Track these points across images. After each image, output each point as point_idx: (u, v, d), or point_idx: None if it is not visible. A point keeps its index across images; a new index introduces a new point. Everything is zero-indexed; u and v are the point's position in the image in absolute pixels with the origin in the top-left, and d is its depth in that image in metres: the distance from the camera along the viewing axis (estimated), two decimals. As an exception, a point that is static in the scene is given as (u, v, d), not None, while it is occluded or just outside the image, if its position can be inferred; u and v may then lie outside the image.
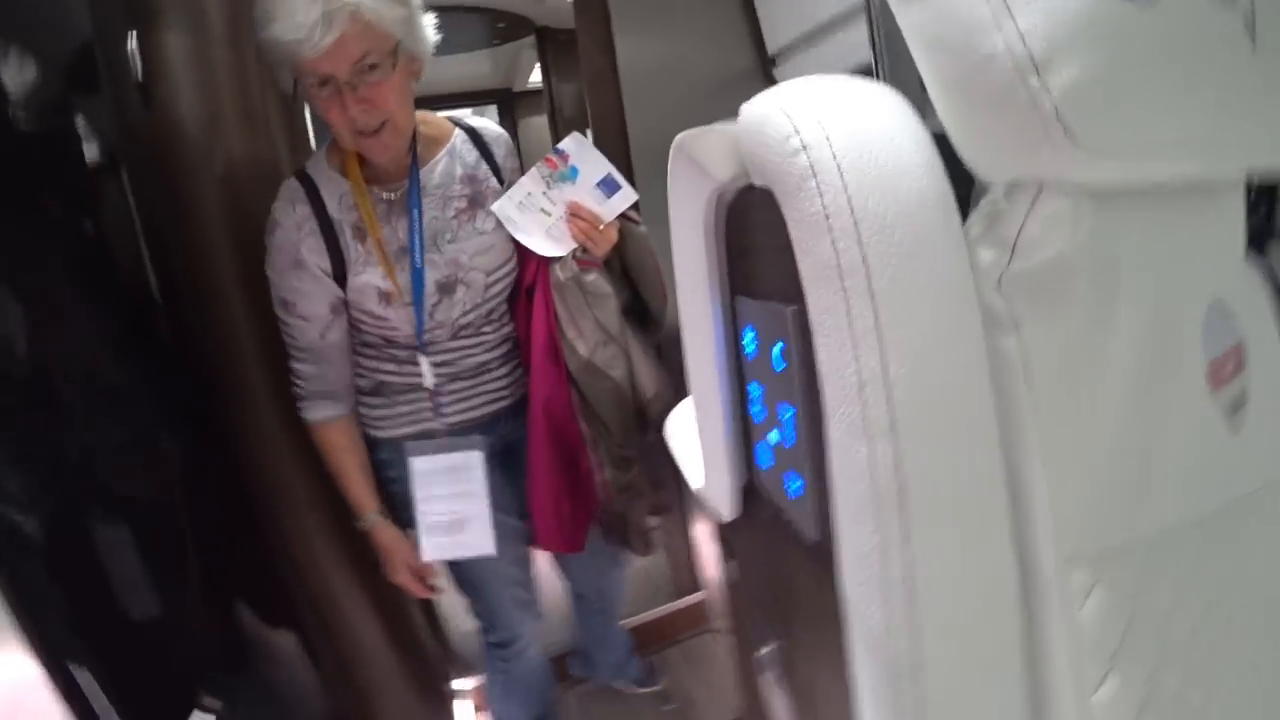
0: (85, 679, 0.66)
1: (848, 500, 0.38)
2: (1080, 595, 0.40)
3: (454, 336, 1.08)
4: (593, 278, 1.06)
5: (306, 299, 1.00)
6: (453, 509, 1.08)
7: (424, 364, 1.05)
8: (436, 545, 1.09)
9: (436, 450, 1.08)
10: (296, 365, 1.05)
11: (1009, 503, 0.38)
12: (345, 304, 1.03)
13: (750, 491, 0.65)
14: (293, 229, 0.98)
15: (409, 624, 1.50)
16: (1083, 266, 0.38)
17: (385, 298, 1.01)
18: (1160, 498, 0.44)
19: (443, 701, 1.61)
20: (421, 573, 1.13)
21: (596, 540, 1.24)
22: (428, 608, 1.59)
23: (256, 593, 1.16)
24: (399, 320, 1.03)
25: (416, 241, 1.01)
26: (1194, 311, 0.45)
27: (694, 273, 0.57)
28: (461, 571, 1.20)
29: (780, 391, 0.48)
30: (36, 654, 0.63)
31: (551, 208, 1.05)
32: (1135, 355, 0.41)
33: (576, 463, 1.14)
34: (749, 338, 0.54)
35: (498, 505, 1.10)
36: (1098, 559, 0.40)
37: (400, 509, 1.13)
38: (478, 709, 1.64)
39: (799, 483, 0.48)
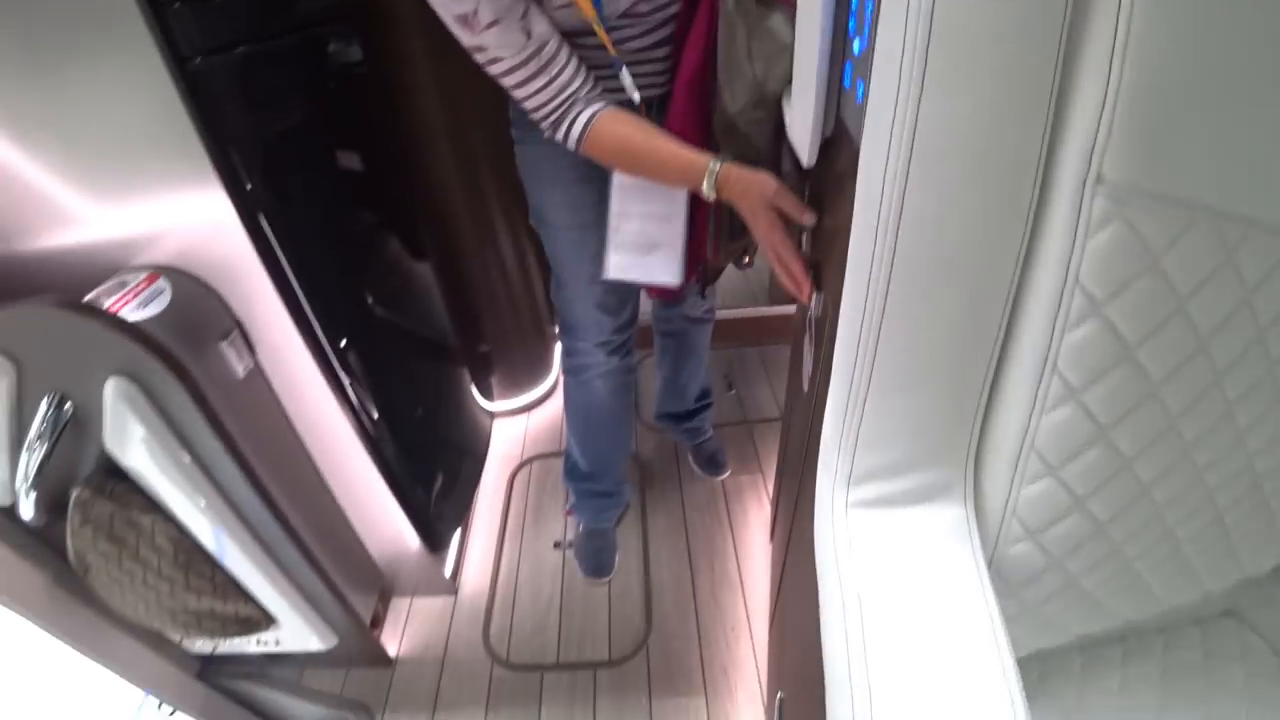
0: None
1: (880, 54, 0.39)
2: (1099, 223, 0.40)
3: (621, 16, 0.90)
4: (773, 20, 0.79)
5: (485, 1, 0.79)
6: (645, 230, 1.00)
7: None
8: (621, 264, 1.02)
9: None
10: (525, 91, 0.86)
11: (1055, 86, 0.37)
12: None
13: (827, 146, 0.66)
14: None
15: (525, 275, 1.71)
16: None
17: None
18: (1256, 179, 0.40)
19: (544, 341, 1.89)
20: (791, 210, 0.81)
21: (694, 287, 1.23)
22: (545, 268, 1.78)
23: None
24: (561, 17, 0.86)
25: None
26: None
27: None
28: (555, 272, 1.18)
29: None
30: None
31: None
32: None
33: (693, 211, 1.03)
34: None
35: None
36: (1127, 200, 0.39)
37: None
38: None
39: (862, 86, 0.48)
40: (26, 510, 0.93)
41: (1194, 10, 0.36)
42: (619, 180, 0.98)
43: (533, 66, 0.83)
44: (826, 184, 0.70)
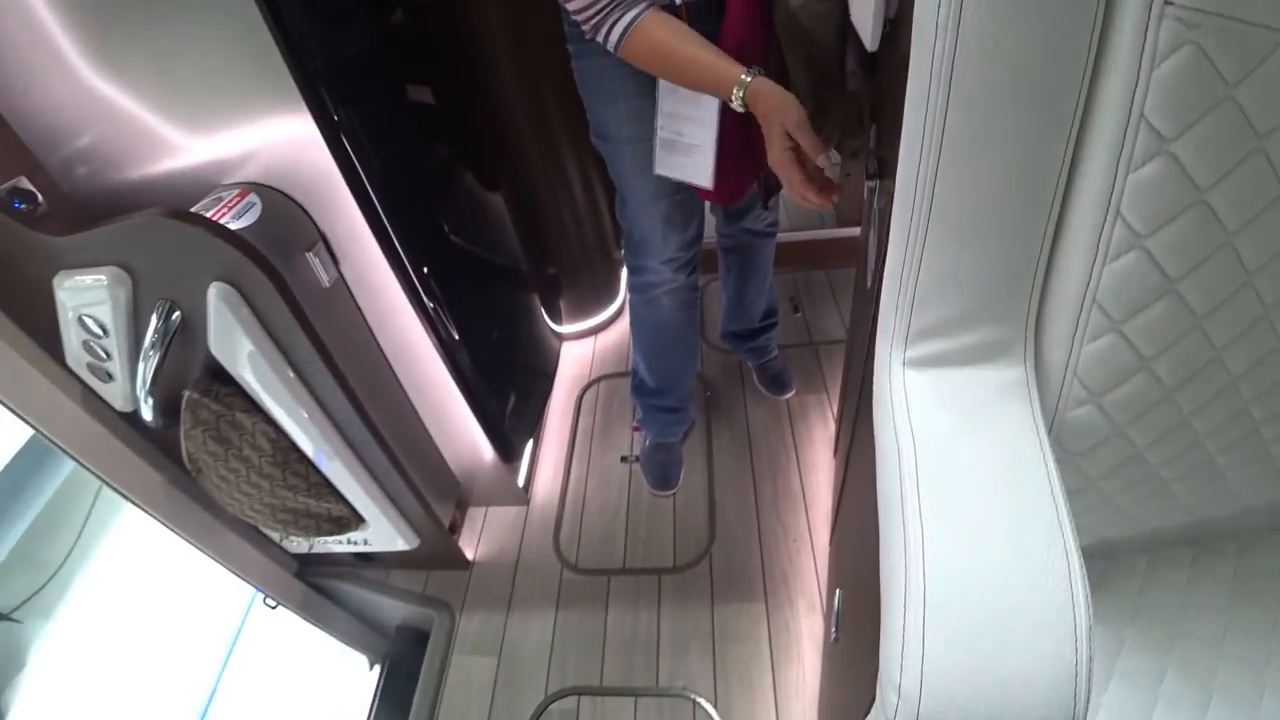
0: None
1: None
2: (1166, 50, 0.39)
3: None
4: None
5: None
6: (685, 131, 1.03)
7: None
8: (666, 161, 1.06)
9: None
10: None
11: None
12: None
13: (893, 29, 0.64)
14: None
15: (591, 198, 1.73)
16: None
17: None
18: None
19: (610, 265, 1.93)
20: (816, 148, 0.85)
21: (755, 198, 1.22)
22: (610, 191, 1.79)
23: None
24: None
25: None
26: None
27: None
28: (619, 190, 1.20)
29: None
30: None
31: None
32: None
33: (749, 118, 1.00)
34: None
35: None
36: (1198, 23, 0.38)
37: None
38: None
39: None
40: (147, 414, 1.03)
41: None
42: (664, 80, 0.99)
43: None
44: (892, 71, 0.69)
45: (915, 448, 0.51)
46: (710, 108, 0.99)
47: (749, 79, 0.85)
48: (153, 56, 0.92)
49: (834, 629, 0.97)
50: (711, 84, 0.89)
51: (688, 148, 1.04)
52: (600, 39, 0.91)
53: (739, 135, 1.02)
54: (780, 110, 0.84)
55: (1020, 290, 0.51)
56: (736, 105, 0.87)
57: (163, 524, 1.17)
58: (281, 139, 0.99)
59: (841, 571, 1.06)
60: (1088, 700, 0.42)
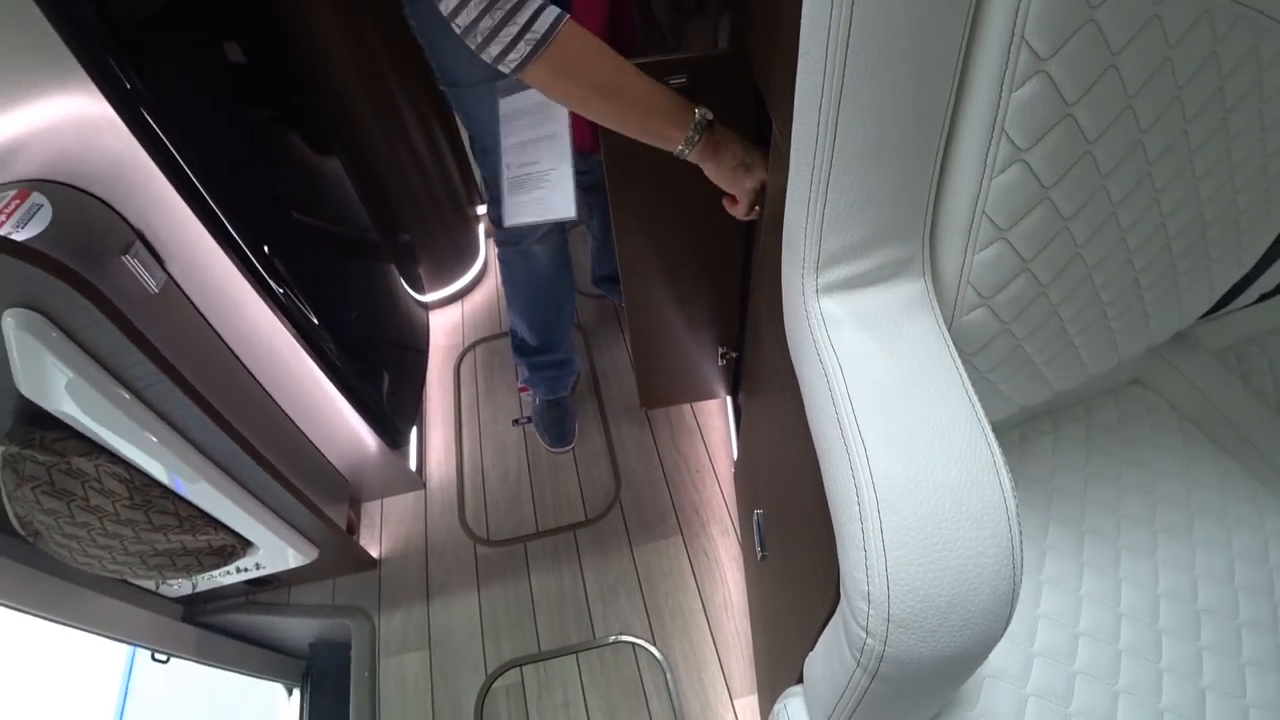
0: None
1: None
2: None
3: None
4: None
5: None
6: (538, 159, 0.93)
7: None
8: (520, 206, 0.96)
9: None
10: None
11: None
12: None
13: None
14: None
15: (437, 154, 1.62)
16: None
17: None
18: None
19: (467, 224, 1.84)
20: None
21: None
22: (456, 145, 1.68)
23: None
24: None
25: None
26: None
27: None
28: (475, 138, 1.14)
29: None
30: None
31: None
32: None
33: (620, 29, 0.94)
34: None
35: None
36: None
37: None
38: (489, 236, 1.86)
39: None
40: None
41: None
42: (505, 108, 0.90)
43: None
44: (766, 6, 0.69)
45: (841, 368, 0.55)
46: (561, 116, 0.89)
47: (710, 115, 0.73)
48: None
49: (758, 548, 1.04)
50: (662, 113, 0.73)
51: (541, 177, 0.94)
52: (512, 34, 0.65)
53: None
54: (750, 169, 0.77)
55: (917, 209, 0.55)
56: (685, 145, 0.74)
57: (8, 606, 1.01)
58: (61, 122, 0.84)
59: (755, 493, 1.13)
60: (1022, 571, 0.48)
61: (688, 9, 0.99)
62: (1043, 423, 0.98)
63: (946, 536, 0.47)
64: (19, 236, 0.81)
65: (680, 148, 0.74)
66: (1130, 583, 0.82)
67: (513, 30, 0.63)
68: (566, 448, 1.59)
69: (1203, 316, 0.85)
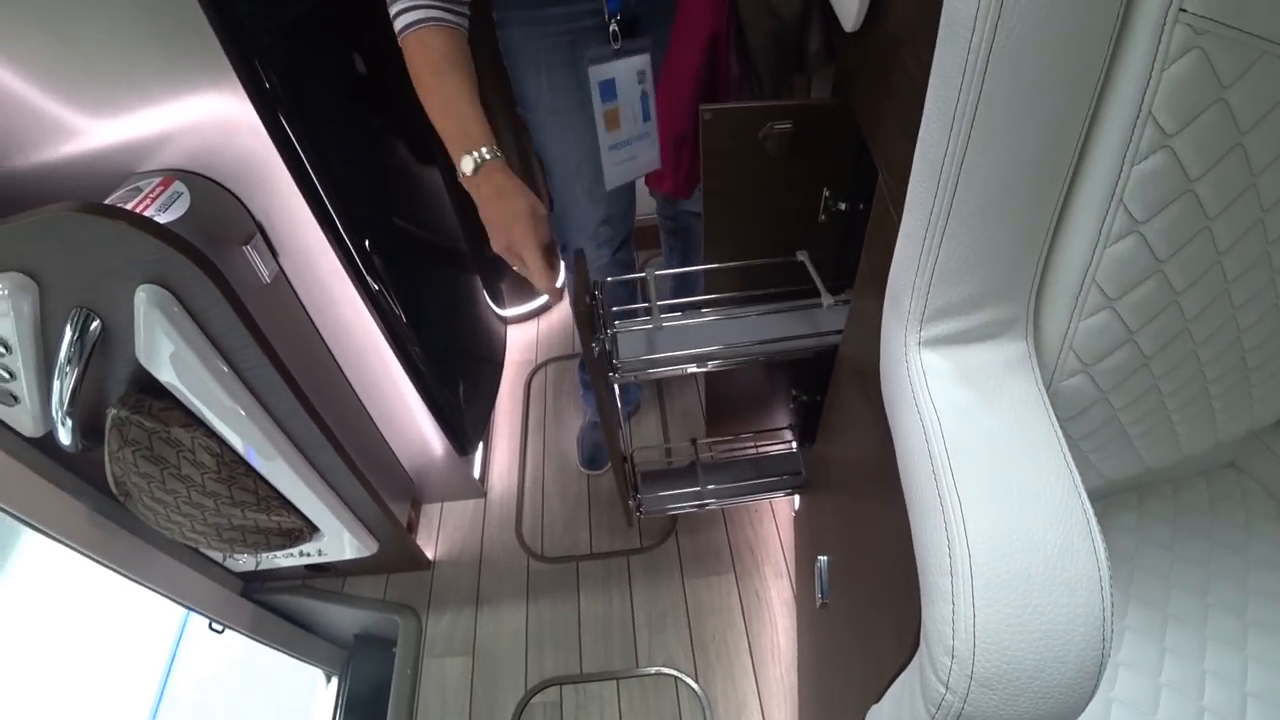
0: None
1: None
2: (1177, 53, 0.44)
3: None
4: None
5: None
6: (622, 125, 1.01)
7: None
8: (616, 170, 1.04)
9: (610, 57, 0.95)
10: None
11: None
12: None
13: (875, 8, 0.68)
14: None
15: (530, 173, 1.69)
16: None
17: None
18: None
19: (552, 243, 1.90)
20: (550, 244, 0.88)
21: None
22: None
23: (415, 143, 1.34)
24: None
25: None
26: None
27: None
28: (549, 168, 1.20)
29: None
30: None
31: None
32: None
33: (716, 100, 1.00)
34: None
35: None
36: (1205, 29, 0.43)
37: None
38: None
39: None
40: (65, 437, 0.96)
41: None
42: (595, 72, 0.97)
43: None
44: (874, 47, 0.72)
45: (940, 421, 0.56)
46: (645, 81, 0.99)
47: (489, 157, 0.84)
48: (51, 24, 0.83)
49: (819, 594, 1.03)
50: (454, 134, 0.86)
51: (628, 141, 1.02)
52: (391, 15, 0.86)
53: (690, 125, 1.02)
54: (515, 216, 0.84)
55: (1026, 272, 0.56)
56: (463, 175, 0.86)
57: (89, 557, 1.09)
58: (207, 119, 0.92)
59: (820, 539, 1.13)
60: (1111, 643, 0.48)
61: (790, 56, 1.02)
62: (1128, 497, 0.95)
63: (1039, 599, 0.48)
64: (161, 219, 0.90)
65: (461, 168, 0.85)
66: (1216, 676, 0.79)
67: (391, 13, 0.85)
68: (597, 471, 1.62)
69: (1312, 403, 0.83)
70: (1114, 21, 0.44)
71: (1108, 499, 0.96)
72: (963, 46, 0.46)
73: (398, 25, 0.85)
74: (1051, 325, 0.59)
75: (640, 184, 1.24)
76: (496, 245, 0.88)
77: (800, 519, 1.39)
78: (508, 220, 0.85)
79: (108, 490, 1.06)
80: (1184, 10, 0.43)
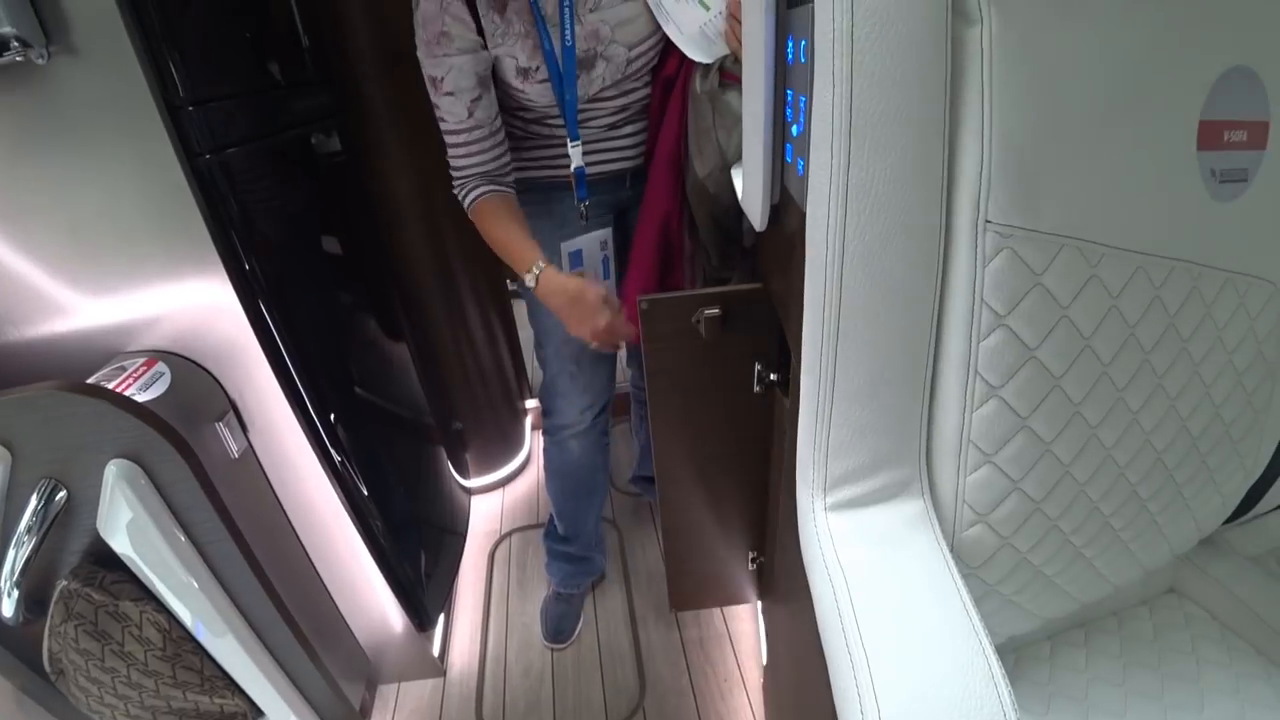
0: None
1: (816, 137, 0.54)
2: (991, 253, 0.56)
3: (589, 101, 1.15)
4: (730, 96, 1.00)
5: (453, 74, 1.05)
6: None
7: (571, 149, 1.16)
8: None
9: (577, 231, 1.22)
10: (452, 152, 1.14)
11: (945, 154, 0.53)
12: (493, 76, 1.10)
13: (776, 211, 0.81)
14: (435, 1, 1.03)
15: (495, 350, 1.83)
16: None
17: (523, 74, 1.08)
18: (1102, 212, 0.57)
19: (516, 416, 2.00)
20: (613, 322, 1.12)
21: None
22: (513, 344, 1.90)
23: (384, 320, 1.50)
24: (535, 94, 1.11)
25: (564, 13, 1.04)
26: (1200, 62, 0.55)
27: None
28: (540, 340, 1.36)
29: (799, 85, 0.62)
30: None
31: (712, 1, 0.97)
32: (1105, 69, 0.53)
33: (672, 269, 1.24)
34: (791, 45, 0.66)
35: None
36: (1010, 234, 0.55)
37: None
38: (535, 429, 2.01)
39: (802, 162, 0.63)
40: (8, 610, 0.96)
41: (1038, 101, 0.52)
42: (565, 245, 1.22)
43: (463, 138, 1.11)
44: (778, 244, 0.86)
45: (847, 582, 0.62)
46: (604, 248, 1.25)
47: (542, 267, 1.11)
48: (60, 211, 0.93)
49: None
50: (518, 260, 1.13)
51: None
52: (459, 195, 1.16)
53: (654, 288, 1.19)
54: (576, 286, 1.09)
55: (911, 438, 0.65)
56: (529, 282, 1.12)
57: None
58: (192, 303, 1.02)
59: (782, 707, 1.12)
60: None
61: (730, 233, 1.19)
62: (1074, 634, 0.98)
63: (945, 751, 0.51)
64: (141, 398, 0.97)
65: (525, 279, 1.12)
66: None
67: (459, 194, 1.17)
68: (560, 645, 1.60)
69: (1230, 521, 0.88)
70: (938, 236, 0.56)
71: (1055, 638, 0.98)
72: (822, 261, 0.57)
73: (467, 201, 1.15)
74: (944, 482, 0.67)
75: (620, 354, 1.40)
76: (574, 330, 1.13)
77: (767, 681, 1.36)
78: (568, 304, 1.11)
79: (40, 668, 1.04)
80: (990, 221, 0.55)
